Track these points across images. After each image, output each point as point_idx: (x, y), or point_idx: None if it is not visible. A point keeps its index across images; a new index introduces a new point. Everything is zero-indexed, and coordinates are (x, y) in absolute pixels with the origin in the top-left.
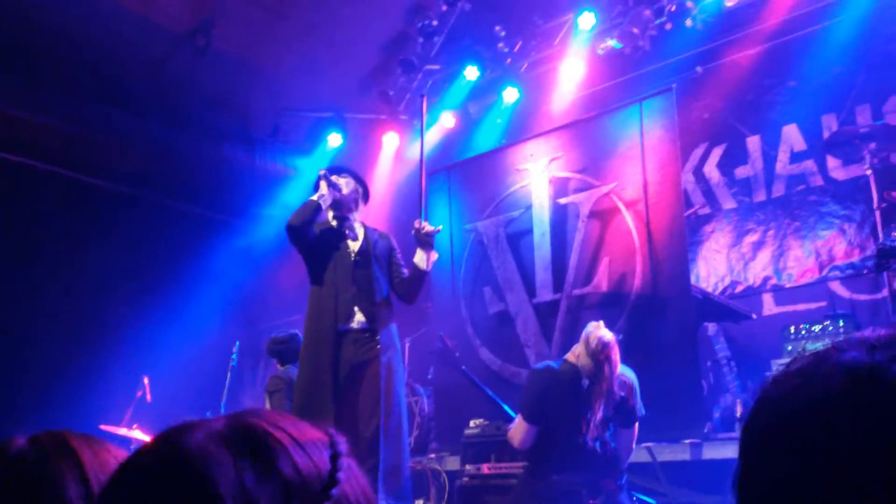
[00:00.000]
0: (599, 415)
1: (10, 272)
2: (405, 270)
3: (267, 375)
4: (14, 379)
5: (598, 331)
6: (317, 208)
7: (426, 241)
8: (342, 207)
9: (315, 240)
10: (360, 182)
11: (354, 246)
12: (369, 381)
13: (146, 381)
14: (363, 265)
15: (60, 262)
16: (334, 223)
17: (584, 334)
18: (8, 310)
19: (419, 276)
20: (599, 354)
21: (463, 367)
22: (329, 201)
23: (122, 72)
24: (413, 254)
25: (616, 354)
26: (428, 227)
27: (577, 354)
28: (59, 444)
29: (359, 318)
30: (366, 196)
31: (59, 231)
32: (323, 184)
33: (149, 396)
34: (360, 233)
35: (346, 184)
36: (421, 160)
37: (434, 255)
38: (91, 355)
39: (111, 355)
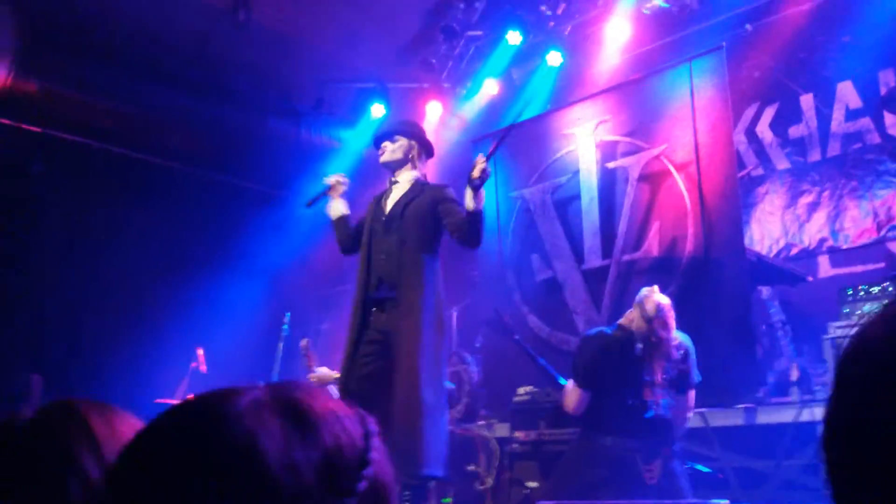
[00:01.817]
0: (659, 378)
1: (65, 249)
2: (459, 213)
3: (317, 346)
4: (69, 354)
5: (654, 295)
6: (336, 224)
7: (472, 180)
8: (392, 169)
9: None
10: (416, 136)
11: (390, 205)
12: (399, 349)
13: (200, 352)
14: (391, 230)
15: (113, 238)
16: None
17: (638, 299)
18: (62, 286)
19: (469, 218)
20: (655, 319)
21: (516, 337)
22: (340, 206)
23: (166, 48)
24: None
25: (672, 318)
26: (480, 165)
27: (630, 319)
28: (68, 414)
29: (386, 284)
30: (428, 150)
31: (110, 207)
32: (332, 179)
33: (203, 367)
34: (402, 191)
35: (393, 148)
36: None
37: (481, 195)
38: (145, 329)
39: (164, 328)
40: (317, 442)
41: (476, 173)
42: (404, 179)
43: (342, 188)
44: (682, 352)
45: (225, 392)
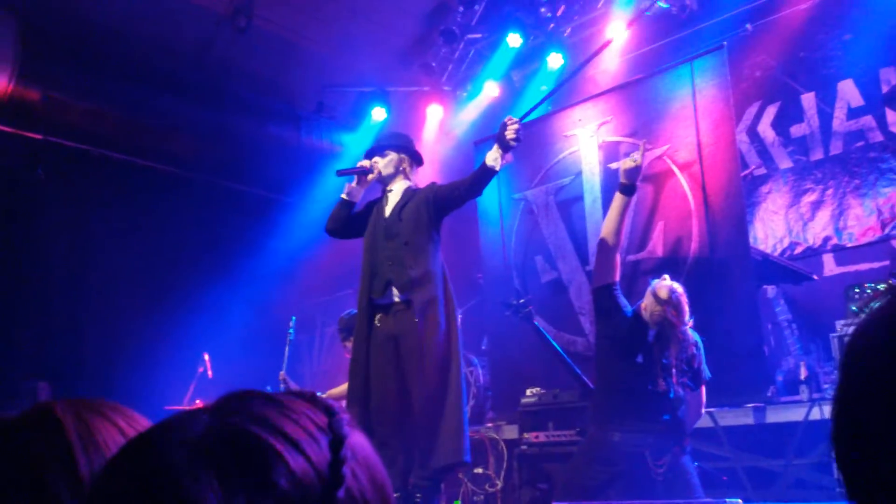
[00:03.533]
0: (674, 361)
1: (66, 254)
2: (454, 182)
3: (322, 350)
4: (76, 361)
5: (665, 282)
6: (345, 204)
7: (504, 141)
8: (385, 183)
9: (359, 224)
10: (404, 149)
11: (387, 212)
12: (411, 351)
13: (207, 357)
14: (393, 235)
15: (115, 243)
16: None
17: (650, 288)
18: (66, 292)
19: (486, 172)
20: (668, 302)
21: (536, 322)
22: (360, 193)
23: (168, 55)
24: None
25: (686, 303)
26: (513, 125)
27: (644, 307)
28: (43, 418)
29: (395, 290)
30: (415, 159)
31: (112, 213)
32: (368, 164)
33: (210, 373)
34: (396, 198)
35: (385, 163)
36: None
37: (509, 158)
38: (151, 335)
39: (170, 334)
40: (267, 490)
41: (511, 134)
42: (397, 189)
43: (371, 178)
44: (694, 345)
45: (158, 433)
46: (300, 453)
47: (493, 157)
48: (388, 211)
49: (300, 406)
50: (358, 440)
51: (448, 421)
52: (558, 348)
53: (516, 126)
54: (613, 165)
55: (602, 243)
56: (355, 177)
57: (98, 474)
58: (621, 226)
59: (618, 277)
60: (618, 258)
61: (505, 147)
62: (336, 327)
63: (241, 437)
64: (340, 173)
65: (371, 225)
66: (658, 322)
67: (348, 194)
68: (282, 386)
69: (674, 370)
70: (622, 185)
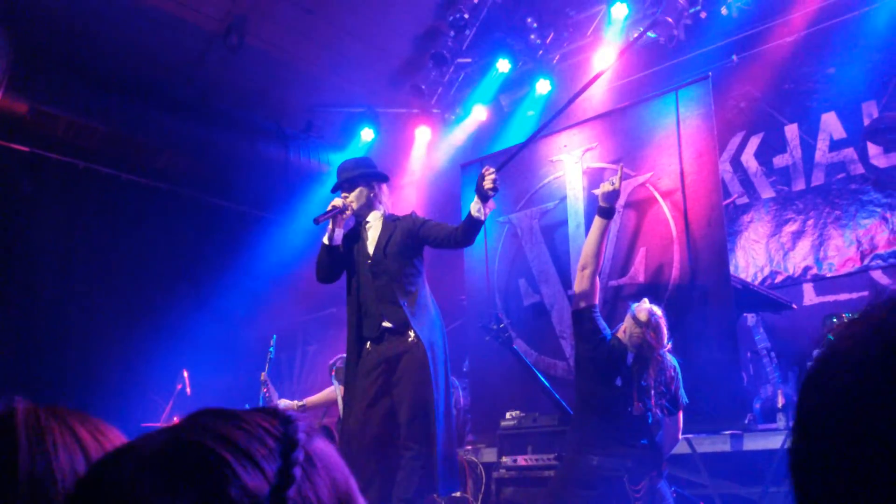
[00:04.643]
0: (653, 383)
1: (49, 268)
2: (444, 226)
3: (303, 369)
4: (54, 376)
5: (645, 304)
6: (330, 250)
7: (483, 192)
8: (359, 215)
9: (343, 261)
10: (369, 175)
11: (371, 249)
12: (407, 374)
13: (186, 374)
14: (380, 270)
15: (98, 258)
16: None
17: (630, 311)
18: (46, 306)
19: (470, 223)
20: (647, 324)
21: (514, 347)
22: (340, 233)
23: (159, 70)
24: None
25: (664, 326)
26: (490, 174)
27: (623, 330)
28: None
29: (386, 324)
30: (381, 179)
31: (96, 227)
32: (337, 201)
33: (188, 390)
34: (377, 233)
35: (355, 196)
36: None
37: (491, 206)
38: (131, 350)
39: (150, 350)
40: (216, 497)
41: (489, 184)
42: (374, 219)
43: (347, 215)
44: (672, 369)
45: (115, 455)
46: (249, 460)
47: (475, 208)
48: (371, 248)
49: (256, 418)
50: (319, 446)
51: (442, 447)
52: (538, 374)
53: (493, 176)
54: (597, 191)
55: (581, 266)
56: (330, 220)
57: (67, 492)
58: (601, 249)
59: (597, 301)
60: (597, 281)
61: (484, 197)
62: (330, 365)
63: (191, 450)
64: (318, 221)
65: (354, 262)
66: (637, 344)
67: (330, 239)
68: (263, 390)
69: (652, 392)
70: (601, 208)
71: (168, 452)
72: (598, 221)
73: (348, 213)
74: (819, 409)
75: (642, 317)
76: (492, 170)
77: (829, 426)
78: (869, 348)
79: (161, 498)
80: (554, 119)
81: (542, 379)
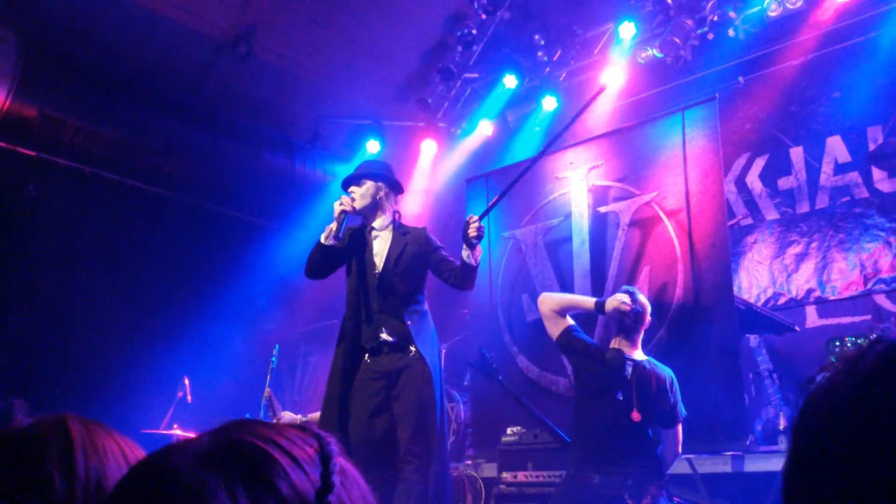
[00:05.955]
0: (654, 391)
1: (53, 272)
2: (451, 264)
3: (304, 379)
4: (55, 381)
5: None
6: (324, 249)
7: (468, 239)
8: (365, 217)
9: (342, 262)
10: (383, 178)
11: (378, 262)
12: (408, 389)
13: (187, 381)
14: (388, 285)
15: (102, 264)
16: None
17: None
18: (50, 312)
19: (466, 268)
20: (627, 292)
21: (500, 378)
22: (339, 233)
23: (167, 79)
24: (459, 246)
25: (646, 304)
26: (474, 223)
27: (606, 309)
28: (55, 423)
29: (385, 337)
30: (395, 188)
31: (101, 233)
32: (337, 205)
33: (189, 397)
34: (386, 244)
35: (362, 193)
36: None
37: (478, 251)
38: (133, 357)
39: (152, 356)
40: (270, 495)
41: (472, 232)
42: (380, 227)
43: (349, 210)
44: (663, 380)
45: (167, 450)
46: (298, 466)
47: (465, 255)
48: (379, 260)
49: (292, 431)
50: (346, 463)
51: (438, 465)
52: (528, 404)
53: (476, 224)
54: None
55: (546, 311)
56: (335, 222)
57: (116, 484)
58: (566, 311)
59: (570, 321)
60: (558, 308)
61: (469, 244)
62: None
63: (242, 447)
64: (340, 239)
65: (358, 269)
66: (617, 315)
67: (328, 239)
68: (265, 403)
69: (652, 402)
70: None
71: (222, 448)
72: (588, 303)
73: (348, 208)
74: (807, 439)
75: (623, 289)
76: (475, 217)
77: (817, 459)
78: (841, 392)
79: (217, 487)
80: (549, 146)
81: (535, 411)
